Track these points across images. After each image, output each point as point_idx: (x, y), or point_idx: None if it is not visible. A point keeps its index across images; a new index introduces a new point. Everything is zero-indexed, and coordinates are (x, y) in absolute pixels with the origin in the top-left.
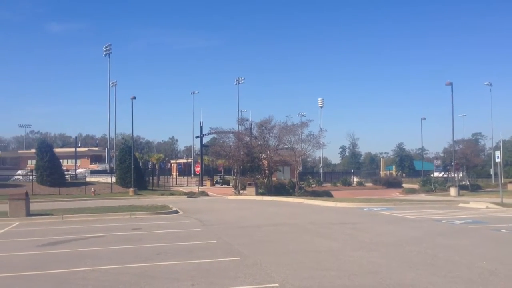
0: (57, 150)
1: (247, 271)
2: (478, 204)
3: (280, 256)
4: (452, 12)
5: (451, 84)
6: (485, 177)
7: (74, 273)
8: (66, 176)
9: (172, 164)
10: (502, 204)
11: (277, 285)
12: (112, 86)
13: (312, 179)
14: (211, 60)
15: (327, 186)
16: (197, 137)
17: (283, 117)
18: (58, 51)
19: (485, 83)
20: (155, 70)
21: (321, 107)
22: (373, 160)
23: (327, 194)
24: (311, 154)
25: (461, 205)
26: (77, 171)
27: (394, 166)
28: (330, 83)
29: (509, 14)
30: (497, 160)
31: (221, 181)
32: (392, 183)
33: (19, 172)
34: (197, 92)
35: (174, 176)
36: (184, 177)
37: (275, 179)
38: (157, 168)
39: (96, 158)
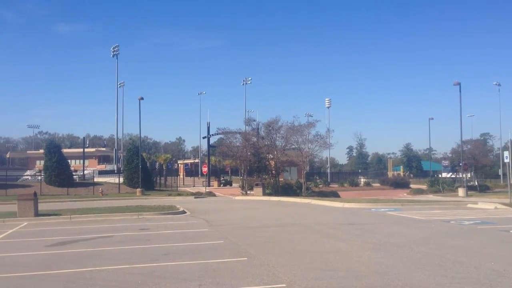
0: (65, 150)
1: (254, 271)
2: (486, 205)
3: (288, 257)
4: (460, 12)
5: (459, 84)
6: (494, 177)
7: (82, 273)
8: (74, 177)
9: (179, 165)
10: (510, 205)
11: (284, 285)
12: (119, 87)
13: (319, 179)
14: (218, 60)
15: (334, 186)
16: (204, 137)
17: (290, 117)
18: (66, 52)
19: (494, 83)
20: (162, 70)
21: (328, 107)
22: (381, 160)
23: (334, 195)
24: (318, 155)
25: (469, 205)
26: (85, 172)
27: (401, 167)
28: (337, 83)
29: None
30: (506, 160)
31: (223, 181)
32: (400, 184)
33: (28, 172)
34: (204, 92)
35: (181, 176)
36: (191, 178)
37: (282, 179)
38: (164, 168)
39: (103, 159)
